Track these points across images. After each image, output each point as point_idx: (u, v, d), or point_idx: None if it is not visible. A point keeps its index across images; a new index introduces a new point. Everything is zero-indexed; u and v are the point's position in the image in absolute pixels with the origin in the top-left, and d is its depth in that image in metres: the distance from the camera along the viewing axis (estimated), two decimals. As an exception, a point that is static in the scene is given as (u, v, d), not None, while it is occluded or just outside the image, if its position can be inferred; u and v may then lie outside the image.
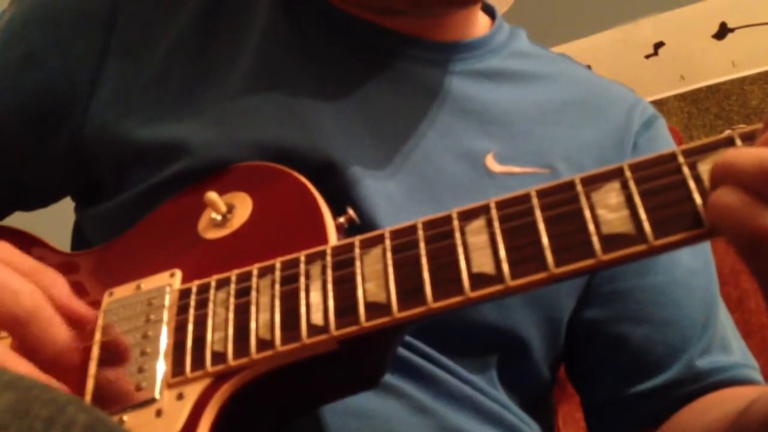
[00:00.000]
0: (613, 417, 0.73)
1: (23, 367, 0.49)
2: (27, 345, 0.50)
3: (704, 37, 1.89)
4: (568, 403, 1.18)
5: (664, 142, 0.78)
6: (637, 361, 0.71)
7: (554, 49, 0.84)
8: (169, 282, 0.56)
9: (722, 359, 0.71)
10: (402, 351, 0.63)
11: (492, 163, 0.69)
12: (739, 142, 0.44)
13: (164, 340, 0.53)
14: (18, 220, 0.76)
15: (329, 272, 0.51)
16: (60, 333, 0.50)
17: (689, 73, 1.91)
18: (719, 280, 0.76)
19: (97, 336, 0.55)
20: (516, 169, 0.69)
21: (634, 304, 0.72)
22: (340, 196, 0.63)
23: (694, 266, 0.74)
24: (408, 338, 0.63)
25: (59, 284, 0.52)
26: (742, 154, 0.41)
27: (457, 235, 0.48)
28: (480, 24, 0.80)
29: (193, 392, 0.50)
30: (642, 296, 0.72)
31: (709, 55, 1.89)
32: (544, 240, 0.46)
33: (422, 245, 0.49)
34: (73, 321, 0.52)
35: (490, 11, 0.82)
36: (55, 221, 0.84)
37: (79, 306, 0.53)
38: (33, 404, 0.37)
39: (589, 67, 1.91)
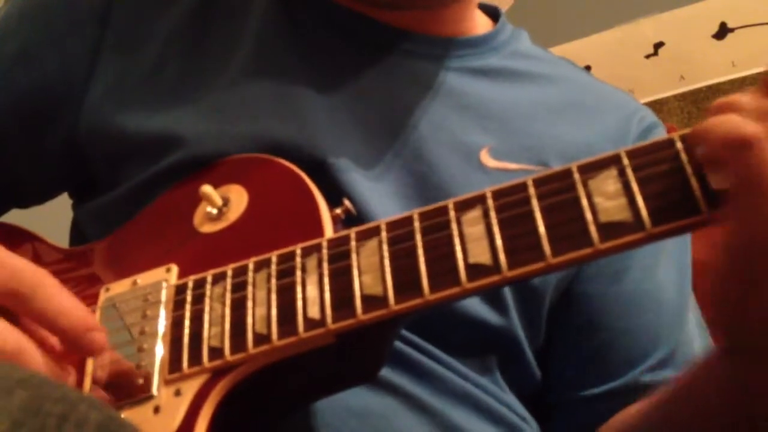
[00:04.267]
0: (560, 418, 0.72)
1: (36, 361, 0.47)
2: (33, 318, 0.48)
3: (704, 37, 1.89)
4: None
5: None
6: (592, 366, 0.71)
7: (554, 50, 0.84)
8: (165, 277, 0.56)
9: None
10: (403, 347, 0.62)
11: (486, 158, 0.69)
12: None
13: (161, 336, 0.53)
14: (16, 217, 0.76)
15: (325, 265, 0.50)
16: (67, 300, 0.49)
17: (689, 73, 1.91)
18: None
19: None
20: (510, 165, 0.69)
21: (600, 309, 0.71)
22: (335, 189, 0.62)
23: (669, 278, 0.73)
24: (409, 335, 0.63)
25: None
26: (746, 96, 0.43)
27: (454, 225, 0.48)
28: (479, 23, 0.79)
29: (190, 388, 0.50)
30: (610, 302, 0.71)
31: (709, 55, 1.89)
32: (541, 229, 0.45)
33: (418, 236, 0.49)
34: None
35: (492, 13, 0.82)
36: (53, 218, 0.84)
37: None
38: (45, 402, 0.37)
39: (588, 67, 1.93)
